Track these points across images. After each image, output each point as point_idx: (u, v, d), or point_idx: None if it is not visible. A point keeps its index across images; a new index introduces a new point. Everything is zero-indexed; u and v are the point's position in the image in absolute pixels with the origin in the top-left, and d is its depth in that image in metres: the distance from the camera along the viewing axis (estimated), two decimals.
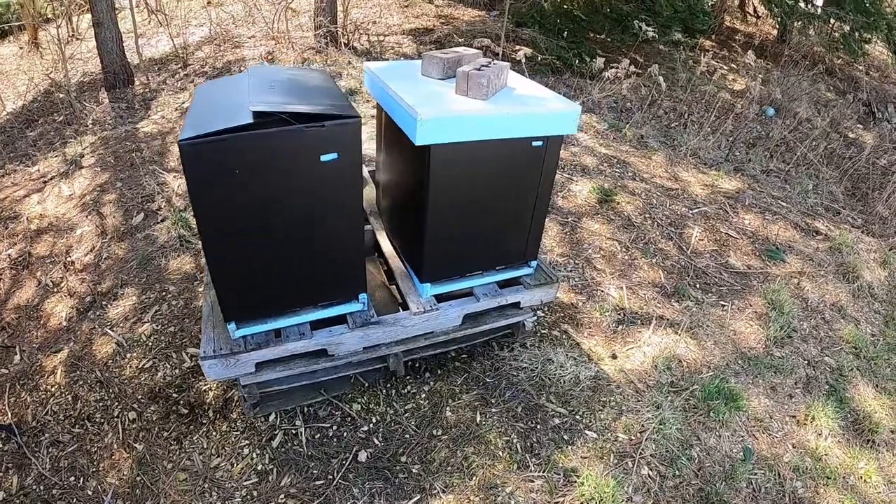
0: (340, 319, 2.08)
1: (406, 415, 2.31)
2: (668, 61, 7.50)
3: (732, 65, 8.48)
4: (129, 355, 2.55)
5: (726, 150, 5.66)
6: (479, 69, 1.90)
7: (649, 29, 5.51)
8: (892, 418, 2.55)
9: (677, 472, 2.15)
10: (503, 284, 2.35)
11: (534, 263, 2.38)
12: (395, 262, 2.37)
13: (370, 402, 2.34)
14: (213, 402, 2.34)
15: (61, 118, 4.75)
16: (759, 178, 5.29)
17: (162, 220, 3.46)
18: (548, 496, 2.03)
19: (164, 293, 2.88)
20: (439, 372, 2.47)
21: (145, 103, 5.16)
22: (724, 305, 3.08)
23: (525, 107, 1.88)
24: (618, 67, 5.21)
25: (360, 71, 6.01)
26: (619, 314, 2.92)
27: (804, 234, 3.92)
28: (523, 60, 5.60)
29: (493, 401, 2.36)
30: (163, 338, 2.62)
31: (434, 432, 2.24)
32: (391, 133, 2.15)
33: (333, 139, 1.61)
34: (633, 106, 6.24)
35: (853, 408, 2.56)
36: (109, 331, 2.68)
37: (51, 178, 3.91)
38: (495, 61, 2.04)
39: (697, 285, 3.24)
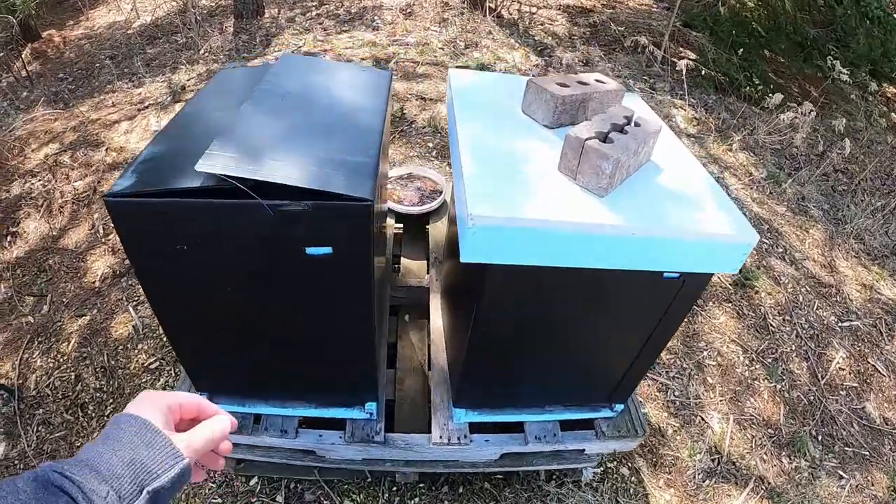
0: (338, 421, 1.59)
1: None
2: (844, 102, 5.86)
3: None
4: (139, 346, 2.30)
5: (883, 224, 4.28)
6: (606, 134, 1.19)
7: (843, 71, 4.19)
8: None
9: None
10: (567, 424, 1.71)
11: (619, 408, 1.70)
12: (440, 344, 1.81)
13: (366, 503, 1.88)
14: None
15: (182, 41, 4.63)
16: None
17: None
18: None
19: None
20: (461, 490, 1.94)
21: (266, 39, 4.89)
22: (841, 477, 2.26)
23: (667, 223, 1.12)
24: (797, 112, 4.03)
25: (498, 44, 5.30)
26: (713, 461, 2.19)
27: None
28: (684, 71, 4.56)
29: None
30: None
31: None
32: None
33: (324, 227, 1.05)
34: (798, 153, 4.92)
35: None
36: (132, 309, 2.44)
37: (147, 106, 3.77)
38: (639, 117, 1.32)
39: (819, 437, 2.42)
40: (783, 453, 2.28)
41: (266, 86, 1.30)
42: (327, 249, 1.07)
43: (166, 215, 1.01)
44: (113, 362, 2.25)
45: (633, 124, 1.28)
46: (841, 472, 2.27)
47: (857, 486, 2.24)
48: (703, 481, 2.11)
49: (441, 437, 1.56)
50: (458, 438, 1.57)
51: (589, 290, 1.26)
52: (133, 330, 2.36)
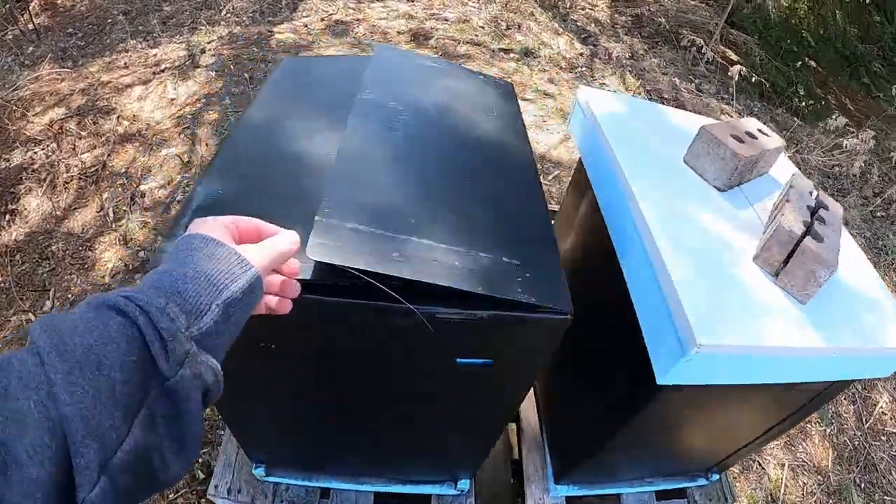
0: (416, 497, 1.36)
1: None
2: (886, 123, 5.63)
3: None
4: None
5: None
6: (809, 225, 0.94)
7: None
8: None
9: None
10: (660, 493, 1.54)
11: (716, 477, 1.53)
12: (531, 418, 1.59)
13: None
14: None
15: None
16: None
17: None
18: None
19: None
20: None
21: (293, 2, 4.46)
22: None
23: (861, 337, 0.92)
24: (858, 137, 3.78)
25: (542, 28, 4.92)
26: None
27: None
28: (737, 77, 4.29)
29: None
30: None
31: None
32: (594, 242, 1.29)
33: (493, 339, 0.79)
34: (842, 174, 4.70)
35: None
36: None
37: (163, 70, 3.39)
38: (822, 196, 1.07)
39: (862, 485, 2.36)
40: (831, 501, 2.24)
41: (368, 97, 1.00)
42: (487, 361, 0.80)
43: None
44: None
45: (823, 207, 1.03)
46: None
47: None
48: None
49: None
50: None
51: (744, 398, 1.04)
52: None
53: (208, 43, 3.61)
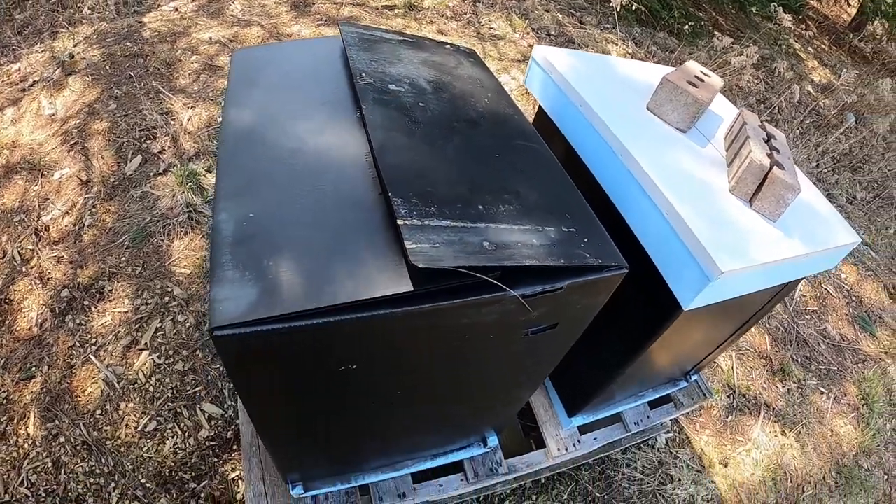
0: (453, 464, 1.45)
1: None
2: (754, 32, 6.45)
3: (810, 48, 7.49)
4: (123, 405, 1.88)
5: (815, 165, 4.96)
6: (770, 155, 1.13)
7: (787, 17, 4.53)
8: None
9: None
10: (652, 403, 1.78)
11: (694, 378, 1.80)
12: None
13: None
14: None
15: None
16: (846, 208, 4.69)
17: (165, 171, 2.63)
18: None
19: (166, 297, 2.15)
20: (542, 480, 1.91)
21: None
22: (822, 392, 2.80)
23: (816, 241, 1.15)
24: (743, 53, 4.29)
25: None
26: (729, 397, 2.57)
27: (892, 298, 3.48)
28: (618, 8, 4.61)
29: None
30: (168, 381, 1.94)
31: None
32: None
33: (564, 303, 0.87)
34: (730, 88, 5.35)
35: None
36: (94, 357, 1.97)
37: (32, 84, 2.94)
38: (772, 129, 1.27)
39: (799, 359, 2.89)
40: (777, 379, 2.72)
41: (366, 82, 0.98)
42: (553, 324, 0.89)
43: (341, 333, 0.74)
44: (95, 433, 1.82)
45: (772, 137, 1.23)
46: (821, 389, 2.79)
47: (836, 398, 2.76)
48: (727, 417, 2.47)
49: (558, 448, 1.54)
50: (574, 444, 1.57)
51: (732, 307, 1.26)
52: (106, 385, 1.92)
53: (75, 46, 3.17)
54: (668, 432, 2.14)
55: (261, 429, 0.99)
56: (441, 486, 1.41)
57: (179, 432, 1.83)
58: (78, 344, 2.02)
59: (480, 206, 0.82)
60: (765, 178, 1.09)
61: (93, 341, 2.02)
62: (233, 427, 1.84)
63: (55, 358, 1.97)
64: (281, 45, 1.01)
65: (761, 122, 1.26)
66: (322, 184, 0.84)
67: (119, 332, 2.04)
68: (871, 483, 2.47)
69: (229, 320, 0.63)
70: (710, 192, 1.11)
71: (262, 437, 1.09)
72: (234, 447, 1.80)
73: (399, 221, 0.74)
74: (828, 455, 2.53)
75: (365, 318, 0.70)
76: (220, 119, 2.90)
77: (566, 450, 1.55)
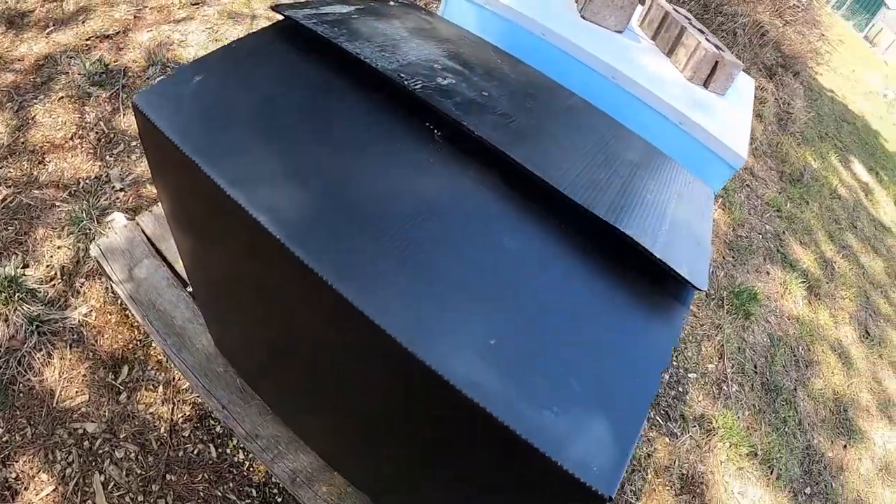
0: None
1: None
2: None
3: None
4: None
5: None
6: (711, 39, 1.32)
7: None
8: (814, 266, 3.30)
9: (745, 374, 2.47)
10: None
11: None
12: None
13: None
14: None
15: None
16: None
17: None
18: None
19: (84, 441, 1.56)
20: None
21: None
22: None
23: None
24: None
25: None
26: None
27: None
28: None
29: None
30: None
31: None
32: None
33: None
34: None
35: (801, 269, 3.20)
36: None
37: None
38: (690, 17, 1.45)
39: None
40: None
41: (423, 84, 0.76)
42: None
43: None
44: None
45: (694, 25, 1.41)
46: None
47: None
48: None
49: None
50: None
51: None
52: None
53: None
54: None
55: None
56: None
57: None
58: None
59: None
60: (716, 63, 1.28)
61: None
62: None
63: None
64: (203, 62, 0.70)
65: (686, 16, 1.42)
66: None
67: None
68: (753, 246, 3.15)
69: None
70: (686, 89, 1.27)
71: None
72: None
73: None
74: (715, 239, 3.11)
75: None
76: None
77: None
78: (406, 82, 0.72)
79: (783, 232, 3.41)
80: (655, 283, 0.69)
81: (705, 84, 1.33)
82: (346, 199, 0.63)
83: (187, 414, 1.69)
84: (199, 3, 2.79)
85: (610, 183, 0.73)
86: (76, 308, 1.76)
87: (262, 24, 2.82)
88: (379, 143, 0.70)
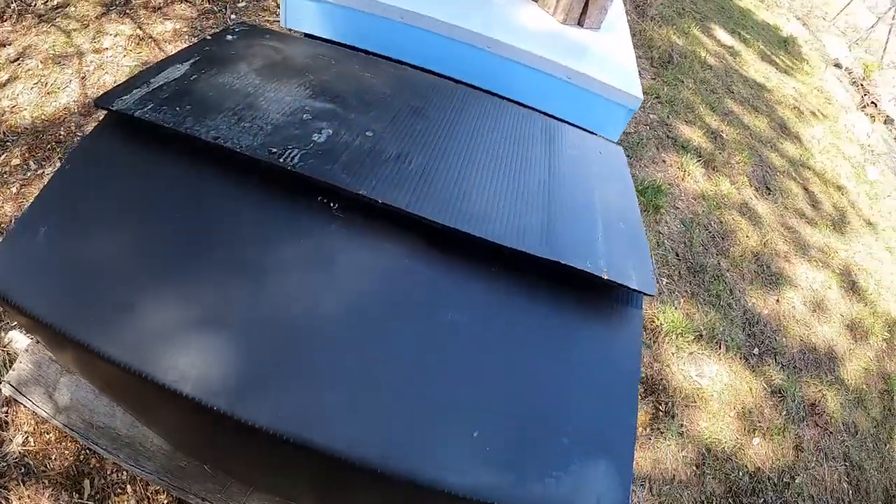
0: None
1: None
2: None
3: None
4: None
5: None
6: None
7: None
8: (704, 140, 3.51)
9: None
10: None
11: None
12: None
13: None
14: None
15: None
16: None
17: None
18: None
19: None
20: None
21: None
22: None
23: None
24: None
25: None
26: None
27: None
28: None
29: None
30: None
31: None
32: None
33: None
34: None
35: (694, 147, 3.39)
36: None
37: None
38: None
39: None
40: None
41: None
42: None
43: None
44: None
45: None
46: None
47: None
48: None
49: None
50: None
51: None
52: None
53: None
54: None
55: None
56: None
57: None
58: None
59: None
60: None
61: None
62: None
63: None
64: (42, 200, 0.56)
65: None
66: None
67: None
68: (644, 139, 3.25)
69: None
70: (563, 37, 1.22)
71: None
72: None
73: None
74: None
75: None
76: None
77: None
78: (281, 159, 0.61)
79: (667, 116, 3.56)
80: (605, 296, 0.66)
81: (580, 22, 1.28)
82: (263, 337, 0.53)
83: None
84: (17, 59, 2.35)
85: (534, 202, 0.68)
86: (11, 440, 1.58)
87: (90, 58, 2.43)
88: (276, 243, 0.60)
